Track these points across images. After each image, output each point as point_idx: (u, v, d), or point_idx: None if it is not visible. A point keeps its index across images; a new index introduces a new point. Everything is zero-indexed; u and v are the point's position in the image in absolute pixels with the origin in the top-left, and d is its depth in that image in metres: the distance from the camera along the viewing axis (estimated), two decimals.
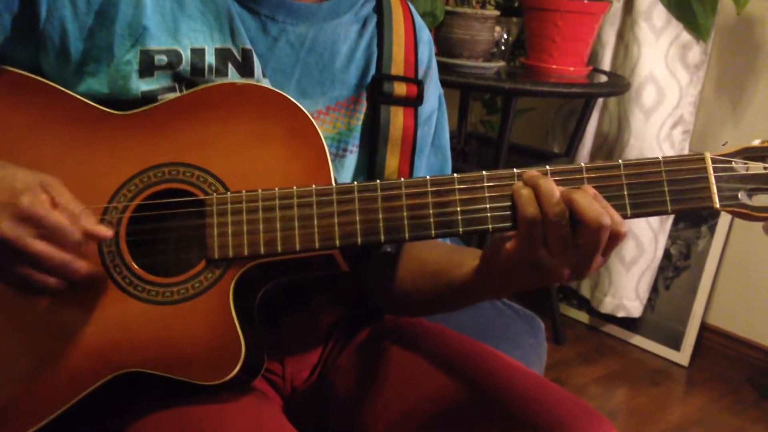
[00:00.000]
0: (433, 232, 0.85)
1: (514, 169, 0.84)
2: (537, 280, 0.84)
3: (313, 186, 0.87)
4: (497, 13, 2.20)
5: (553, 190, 0.80)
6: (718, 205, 0.83)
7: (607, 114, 2.62)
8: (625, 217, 0.82)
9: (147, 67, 0.93)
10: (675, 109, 2.46)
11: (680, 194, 0.83)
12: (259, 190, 0.88)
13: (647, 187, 0.83)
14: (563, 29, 2.22)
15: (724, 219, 2.56)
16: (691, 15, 2.35)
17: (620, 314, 2.66)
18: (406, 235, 0.86)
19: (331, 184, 0.87)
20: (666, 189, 0.83)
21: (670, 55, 2.42)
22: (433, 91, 1.13)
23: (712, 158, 0.84)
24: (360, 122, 1.04)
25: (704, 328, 2.64)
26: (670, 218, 2.64)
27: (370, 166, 1.04)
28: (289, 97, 0.91)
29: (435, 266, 0.99)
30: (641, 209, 0.83)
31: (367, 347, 1.10)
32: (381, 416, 1.02)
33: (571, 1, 2.20)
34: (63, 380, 0.87)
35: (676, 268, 2.66)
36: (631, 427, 2.29)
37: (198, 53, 0.95)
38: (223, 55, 0.96)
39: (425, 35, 1.12)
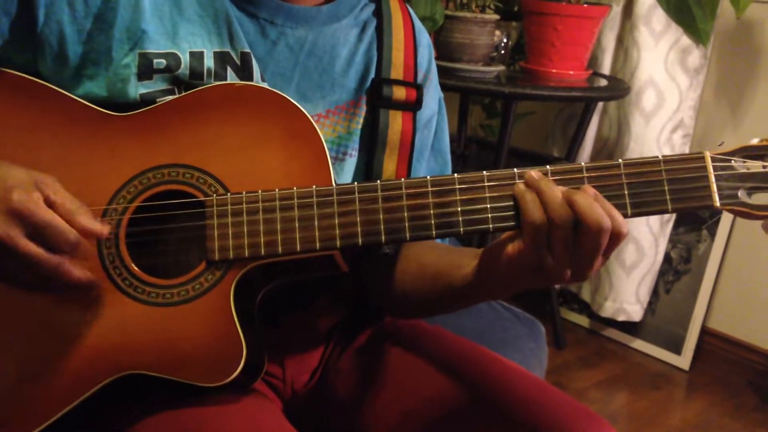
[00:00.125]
0: (434, 232, 0.85)
1: (515, 169, 0.84)
2: (538, 282, 0.85)
3: (314, 187, 0.87)
4: (497, 17, 2.20)
5: (557, 193, 0.80)
6: (718, 204, 0.83)
7: (607, 118, 2.62)
8: (625, 216, 0.82)
9: (146, 71, 0.93)
10: (675, 113, 2.46)
11: (680, 193, 0.83)
12: (259, 191, 0.87)
13: (647, 186, 0.83)
14: (563, 33, 2.22)
15: (725, 222, 2.56)
16: (691, 19, 2.35)
17: (621, 318, 2.65)
18: (407, 236, 0.86)
19: (332, 185, 0.87)
20: (666, 188, 0.83)
21: (670, 59, 2.42)
22: (433, 95, 1.12)
23: (711, 157, 0.84)
24: (360, 126, 1.04)
25: (705, 332, 2.64)
26: (671, 222, 2.64)
27: (367, 169, 1.04)
28: (288, 97, 0.91)
29: (434, 268, 0.99)
30: (641, 208, 0.83)
31: (367, 350, 1.10)
32: (380, 418, 1.02)
33: (571, 5, 2.21)
34: (63, 383, 0.87)
35: (677, 271, 2.66)
36: (631, 431, 2.29)
37: (197, 57, 0.95)
38: (221, 58, 0.96)
39: (425, 39, 1.12)
